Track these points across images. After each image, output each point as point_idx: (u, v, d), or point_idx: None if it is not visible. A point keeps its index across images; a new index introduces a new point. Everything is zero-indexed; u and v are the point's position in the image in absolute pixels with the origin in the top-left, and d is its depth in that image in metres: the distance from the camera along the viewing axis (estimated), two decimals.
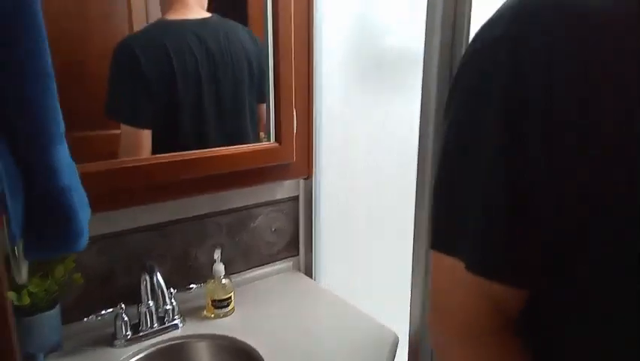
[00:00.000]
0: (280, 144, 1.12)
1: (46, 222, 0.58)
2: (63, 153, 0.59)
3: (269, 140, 1.15)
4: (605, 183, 0.38)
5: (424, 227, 1.02)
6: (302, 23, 1.13)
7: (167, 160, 1.02)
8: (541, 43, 0.38)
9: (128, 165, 0.97)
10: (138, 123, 1.07)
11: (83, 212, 0.65)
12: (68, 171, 0.60)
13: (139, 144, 1.06)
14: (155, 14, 1.07)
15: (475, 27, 0.85)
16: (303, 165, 1.20)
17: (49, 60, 0.55)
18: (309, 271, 1.35)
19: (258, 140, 1.18)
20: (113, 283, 1.05)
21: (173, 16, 1.09)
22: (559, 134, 0.38)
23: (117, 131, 1.05)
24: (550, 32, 0.38)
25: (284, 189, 1.26)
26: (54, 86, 0.56)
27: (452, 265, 0.46)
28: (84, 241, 0.64)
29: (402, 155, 1.08)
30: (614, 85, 0.37)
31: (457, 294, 0.47)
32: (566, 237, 0.40)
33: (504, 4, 0.42)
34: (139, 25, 1.05)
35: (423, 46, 0.90)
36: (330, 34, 1.19)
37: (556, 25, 0.38)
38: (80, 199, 0.64)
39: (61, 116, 0.58)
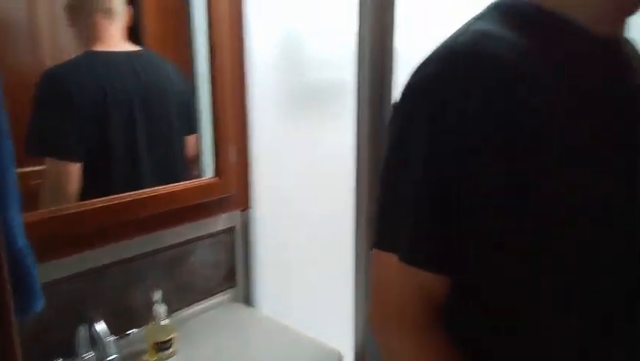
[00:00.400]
0: (220, 177, 1.13)
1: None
2: (17, 210, 0.55)
3: (206, 174, 1.16)
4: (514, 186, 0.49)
5: (363, 248, 1.10)
6: (236, 59, 1.16)
7: (99, 205, 0.98)
8: (462, 80, 0.50)
9: (57, 215, 0.91)
10: (68, 155, 1.01)
11: (35, 269, 0.61)
12: (21, 229, 0.57)
13: (68, 180, 1.00)
14: (66, 46, 1.02)
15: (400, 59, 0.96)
16: (242, 197, 1.22)
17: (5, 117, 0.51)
18: (248, 301, 1.36)
19: (191, 174, 1.18)
20: (47, 337, 0.97)
21: (101, 47, 1.05)
22: (475, 148, 0.49)
23: (35, 168, 0.98)
24: (469, 72, 0.50)
25: (221, 220, 1.26)
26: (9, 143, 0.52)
27: (389, 261, 0.54)
28: (42, 300, 0.60)
29: (335, 179, 1.15)
30: (519, 106, 0.49)
31: (394, 287, 0.55)
32: (480, 230, 0.51)
33: (436, 49, 0.54)
34: (50, 58, 1.00)
35: (352, 76, 1.00)
36: (263, 67, 1.23)
37: (474, 67, 0.50)
38: (32, 256, 0.61)
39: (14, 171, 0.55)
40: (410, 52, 0.93)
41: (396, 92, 0.92)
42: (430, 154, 0.50)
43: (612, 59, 0.57)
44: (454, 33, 0.54)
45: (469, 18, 0.57)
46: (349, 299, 1.12)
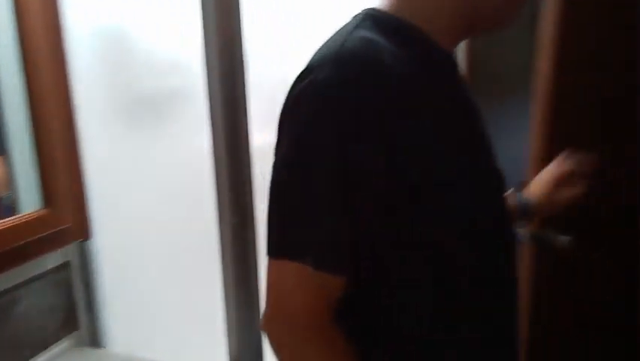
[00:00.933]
0: (49, 207, 0.95)
1: None
2: None
3: (27, 206, 0.95)
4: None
5: (231, 260, 1.06)
6: (56, 65, 0.98)
7: None
8: (362, 84, 0.51)
9: None
10: None
11: None
12: None
13: None
14: None
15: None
16: (79, 227, 1.04)
17: None
18: (96, 343, 1.18)
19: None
20: None
21: None
22: (379, 152, 0.51)
23: None
24: (366, 76, 0.52)
25: (53, 257, 1.07)
26: None
27: (290, 267, 0.55)
28: None
29: (190, 192, 1.08)
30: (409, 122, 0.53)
31: (298, 291, 0.56)
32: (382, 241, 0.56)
33: (321, 54, 0.55)
34: None
35: (200, 80, 0.93)
36: (91, 74, 1.07)
37: (370, 71, 0.52)
38: None
39: None
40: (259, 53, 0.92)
41: (251, 93, 0.90)
42: (340, 160, 0.51)
43: (455, 71, 0.66)
44: (337, 39, 0.56)
45: (341, 25, 0.60)
46: (219, 317, 1.07)
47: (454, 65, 0.66)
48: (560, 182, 0.88)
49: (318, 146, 0.51)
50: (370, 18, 0.59)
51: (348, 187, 0.52)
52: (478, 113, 0.68)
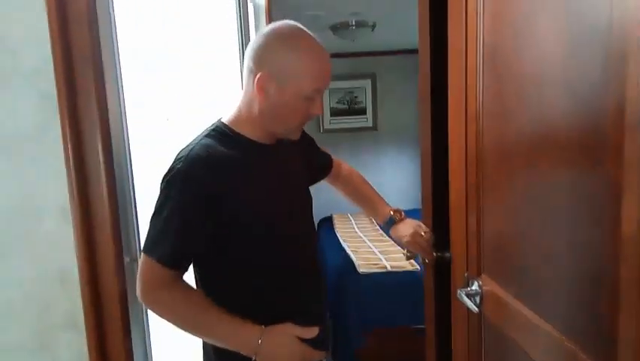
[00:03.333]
0: None
1: None
2: None
3: None
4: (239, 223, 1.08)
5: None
6: None
7: None
8: (199, 171, 1.03)
9: None
10: None
11: None
12: None
13: None
14: None
15: None
16: None
17: None
18: None
19: None
20: None
21: None
22: (204, 206, 1.03)
23: None
24: (203, 167, 1.04)
25: None
26: None
27: (149, 260, 1.01)
28: None
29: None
30: (241, 189, 1.08)
31: (148, 274, 1.03)
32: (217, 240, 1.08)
33: (182, 155, 1.06)
34: None
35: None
36: None
37: (206, 164, 1.04)
38: None
39: None
40: None
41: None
42: (182, 210, 1.02)
43: (274, 156, 1.17)
44: (191, 143, 1.08)
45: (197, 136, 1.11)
46: None
47: (269, 149, 1.16)
48: (412, 231, 1.39)
49: (173, 200, 1.02)
50: (214, 129, 1.12)
51: (186, 223, 1.03)
52: (289, 173, 1.22)
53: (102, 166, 0.41)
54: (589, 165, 0.64)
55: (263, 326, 1.06)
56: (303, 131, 1.30)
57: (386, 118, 4.76)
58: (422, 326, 2.41)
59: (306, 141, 1.36)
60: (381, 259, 2.73)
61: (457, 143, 1.22)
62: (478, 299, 1.14)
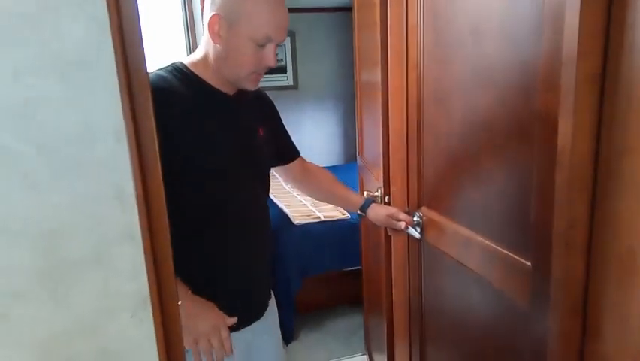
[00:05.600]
0: None
1: None
2: None
3: None
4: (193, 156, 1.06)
5: None
6: None
7: None
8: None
9: None
10: None
11: None
12: None
13: None
14: None
15: None
16: None
17: None
18: None
19: None
20: None
21: None
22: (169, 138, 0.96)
23: None
24: (156, 94, 0.98)
25: None
26: None
27: None
28: None
29: None
30: (186, 119, 1.07)
31: None
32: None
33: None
34: None
35: None
36: None
37: (157, 91, 0.89)
38: None
39: None
40: None
41: None
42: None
43: (229, 105, 1.15)
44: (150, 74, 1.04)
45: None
46: None
47: (225, 97, 1.14)
48: (388, 215, 1.39)
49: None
50: (171, 65, 1.11)
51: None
52: (245, 129, 1.18)
53: (145, 87, 0.43)
54: (523, 98, 0.79)
55: (190, 292, 1.04)
56: (271, 105, 1.33)
57: (307, 77, 4.81)
58: (356, 268, 2.65)
59: (272, 113, 1.34)
60: (314, 211, 2.87)
61: (399, 89, 1.35)
62: (419, 228, 1.31)
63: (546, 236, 0.70)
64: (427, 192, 1.27)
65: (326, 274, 2.76)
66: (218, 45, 1.05)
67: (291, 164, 1.41)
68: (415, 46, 1.23)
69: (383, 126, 1.48)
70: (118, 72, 0.43)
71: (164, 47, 2.46)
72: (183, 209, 1.02)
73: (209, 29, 1.04)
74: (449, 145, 1.11)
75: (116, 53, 0.43)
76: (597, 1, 0.59)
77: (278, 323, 1.33)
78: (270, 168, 1.29)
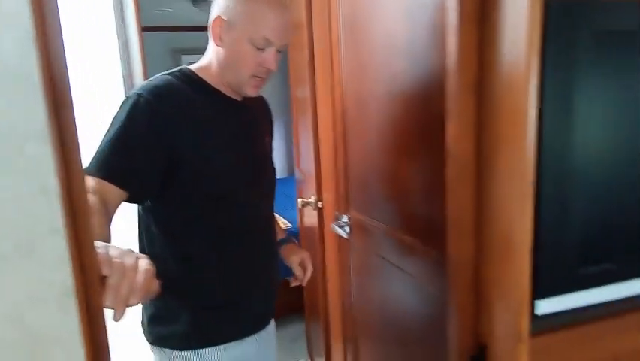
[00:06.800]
0: None
1: None
2: None
3: None
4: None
5: None
6: None
7: None
8: (155, 100, 0.97)
9: None
10: None
11: None
12: None
13: None
14: None
15: None
16: None
17: None
18: None
19: None
20: None
21: None
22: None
23: None
24: (161, 97, 0.99)
25: None
26: None
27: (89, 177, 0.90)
28: None
29: None
30: (187, 122, 1.00)
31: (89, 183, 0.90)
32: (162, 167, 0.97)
33: (142, 85, 1.01)
34: None
35: None
36: None
37: (163, 94, 0.99)
38: None
39: None
40: None
41: None
42: (126, 127, 0.95)
43: (237, 111, 1.11)
44: (153, 79, 1.03)
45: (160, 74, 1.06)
46: None
47: (234, 104, 1.11)
48: (301, 260, 1.28)
49: (120, 121, 0.95)
50: (179, 70, 1.08)
51: (130, 140, 0.94)
52: (253, 136, 1.15)
53: (68, 92, 0.47)
54: (424, 106, 0.90)
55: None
56: (272, 118, 1.29)
57: None
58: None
59: (272, 127, 1.30)
60: None
61: (326, 103, 1.45)
62: (347, 228, 1.39)
63: (444, 224, 0.80)
64: (354, 195, 1.36)
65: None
66: (220, 48, 1.05)
67: None
68: (337, 63, 1.33)
69: (314, 138, 1.57)
70: (42, 81, 0.48)
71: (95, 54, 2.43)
72: (191, 211, 1.03)
73: (212, 32, 1.04)
74: (369, 151, 1.21)
75: (40, 63, 0.47)
76: (471, 21, 0.71)
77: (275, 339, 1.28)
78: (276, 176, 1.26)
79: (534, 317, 0.74)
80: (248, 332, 1.13)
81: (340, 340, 1.57)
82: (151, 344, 1.09)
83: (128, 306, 0.60)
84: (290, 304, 2.94)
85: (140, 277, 0.61)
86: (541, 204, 0.69)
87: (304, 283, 1.26)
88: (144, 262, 0.63)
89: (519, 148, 0.65)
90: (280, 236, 1.31)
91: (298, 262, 1.26)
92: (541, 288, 0.72)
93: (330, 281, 1.59)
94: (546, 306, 0.73)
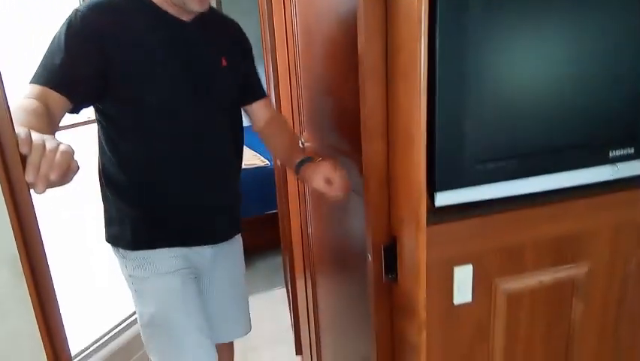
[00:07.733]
0: None
1: None
2: None
3: None
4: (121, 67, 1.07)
5: None
6: None
7: None
8: (95, 13, 1.06)
9: None
10: None
11: None
12: None
13: None
14: None
15: None
16: None
17: None
18: None
19: None
20: None
21: None
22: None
23: None
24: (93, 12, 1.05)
25: None
26: None
27: (33, 86, 0.97)
28: None
29: None
30: (120, 34, 1.07)
31: (30, 93, 0.96)
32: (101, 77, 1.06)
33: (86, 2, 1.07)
34: None
35: None
36: None
37: (103, 10, 1.07)
38: None
39: None
40: None
41: None
42: (70, 43, 1.02)
43: (180, 27, 1.14)
44: None
45: None
46: None
47: (177, 22, 1.14)
48: (323, 175, 1.12)
49: (62, 34, 1.02)
50: None
51: (70, 56, 1.00)
52: (190, 49, 1.15)
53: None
54: (348, 27, 0.96)
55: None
56: (245, 42, 1.32)
57: None
58: (273, 211, 2.88)
59: (243, 49, 1.32)
60: None
61: (285, 93, 1.53)
62: None
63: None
64: (308, 127, 1.44)
65: (253, 218, 2.94)
66: None
67: (255, 108, 1.35)
68: (291, 34, 1.43)
69: (274, 80, 1.65)
70: None
71: None
72: (127, 126, 1.10)
73: None
74: (315, 81, 1.28)
75: None
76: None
77: (242, 258, 1.45)
78: (236, 100, 1.27)
79: (436, 209, 0.81)
80: (194, 242, 1.23)
81: (301, 268, 1.67)
82: (107, 242, 1.21)
83: (49, 182, 0.64)
84: (270, 239, 3.11)
85: (59, 156, 0.65)
86: (438, 103, 0.75)
87: (339, 194, 1.10)
88: (64, 146, 0.67)
89: (414, 49, 0.70)
90: (297, 158, 1.21)
91: (321, 181, 1.11)
92: (440, 181, 0.79)
93: (292, 213, 1.68)
94: (443, 198, 0.80)
